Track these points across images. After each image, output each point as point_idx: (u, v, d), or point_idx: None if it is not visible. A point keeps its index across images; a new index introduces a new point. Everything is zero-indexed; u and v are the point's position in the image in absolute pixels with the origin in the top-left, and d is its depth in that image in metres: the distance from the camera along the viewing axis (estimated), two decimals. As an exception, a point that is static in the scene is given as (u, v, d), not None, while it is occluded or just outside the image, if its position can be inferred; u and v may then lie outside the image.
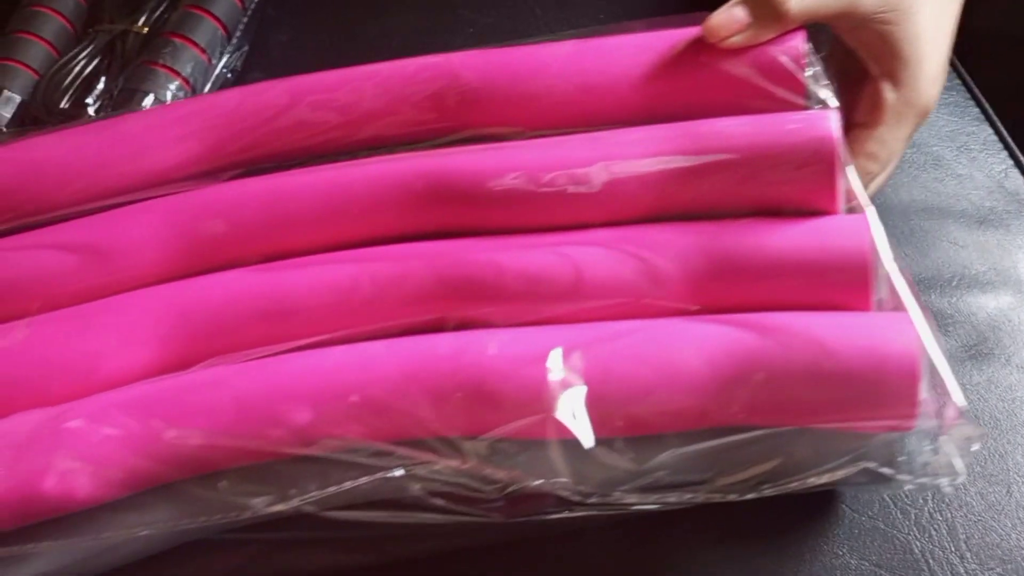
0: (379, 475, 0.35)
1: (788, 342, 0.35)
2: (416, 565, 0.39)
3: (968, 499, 0.40)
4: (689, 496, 0.36)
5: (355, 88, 0.42)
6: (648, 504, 0.36)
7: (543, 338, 0.36)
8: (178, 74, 0.53)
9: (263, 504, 0.35)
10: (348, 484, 0.35)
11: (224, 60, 0.56)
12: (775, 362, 0.34)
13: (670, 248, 0.37)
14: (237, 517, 0.36)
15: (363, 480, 0.35)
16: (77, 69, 0.55)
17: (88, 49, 0.55)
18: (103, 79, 0.54)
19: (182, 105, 0.45)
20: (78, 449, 0.35)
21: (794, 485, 0.35)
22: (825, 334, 0.34)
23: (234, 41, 0.56)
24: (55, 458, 0.35)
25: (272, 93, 0.43)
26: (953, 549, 0.39)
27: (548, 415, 0.34)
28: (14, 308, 0.40)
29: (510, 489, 0.36)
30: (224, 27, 0.55)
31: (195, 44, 0.54)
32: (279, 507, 0.35)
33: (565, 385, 0.35)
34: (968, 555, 0.38)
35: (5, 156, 0.44)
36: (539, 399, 0.35)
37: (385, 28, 0.58)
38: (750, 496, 0.36)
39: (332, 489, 0.35)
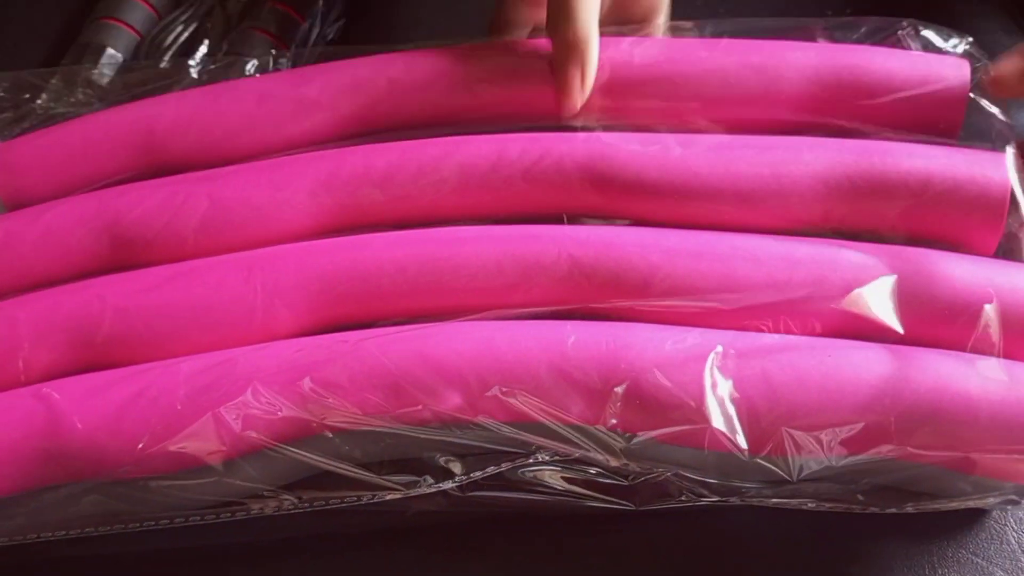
0: (520, 461, 0.35)
1: (946, 387, 0.34)
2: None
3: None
4: (829, 506, 0.36)
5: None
6: (786, 504, 0.36)
7: (702, 343, 0.35)
8: (280, 40, 0.54)
9: (406, 484, 0.35)
10: (492, 469, 0.35)
11: (320, 30, 0.56)
12: (934, 401, 0.34)
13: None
14: (382, 498, 0.36)
15: (506, 466, 0.35)
16: (178, 31, 0.55)
17: (189, 12, 0.56)
18: (205, 42, 0.55)
19: (327, 73, 0.45)
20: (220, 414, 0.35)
21: (936, 506, 0.36)
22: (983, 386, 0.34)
23: (332, 12, 0.57)
24: (192, 420, 0.35)
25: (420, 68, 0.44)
26: (1049, 541, 0.39)
27: (707, 426, 0.34)
28: (164, 253, 0.41)
29: (646, 478, 0.36)
30: (323, -3, 0.56)
31: (296, 12, 0.55)
32: (422, 490, 0.35)
33: (725, 394, 0.34)
34: (1062, 547, 0.39)
35: (164, 110, 0.45)
36: (697, 408, 0.34)
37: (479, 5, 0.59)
38: (890, 511, 0.36)
39: (478, 474, 0.35)
